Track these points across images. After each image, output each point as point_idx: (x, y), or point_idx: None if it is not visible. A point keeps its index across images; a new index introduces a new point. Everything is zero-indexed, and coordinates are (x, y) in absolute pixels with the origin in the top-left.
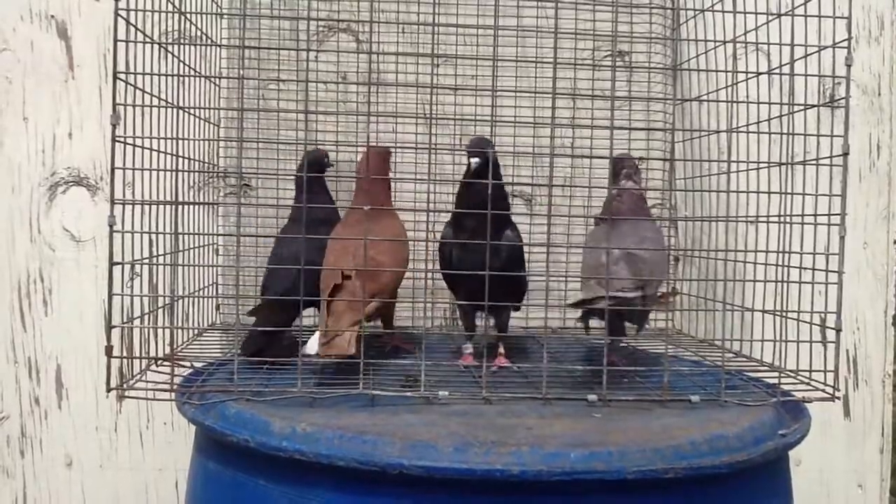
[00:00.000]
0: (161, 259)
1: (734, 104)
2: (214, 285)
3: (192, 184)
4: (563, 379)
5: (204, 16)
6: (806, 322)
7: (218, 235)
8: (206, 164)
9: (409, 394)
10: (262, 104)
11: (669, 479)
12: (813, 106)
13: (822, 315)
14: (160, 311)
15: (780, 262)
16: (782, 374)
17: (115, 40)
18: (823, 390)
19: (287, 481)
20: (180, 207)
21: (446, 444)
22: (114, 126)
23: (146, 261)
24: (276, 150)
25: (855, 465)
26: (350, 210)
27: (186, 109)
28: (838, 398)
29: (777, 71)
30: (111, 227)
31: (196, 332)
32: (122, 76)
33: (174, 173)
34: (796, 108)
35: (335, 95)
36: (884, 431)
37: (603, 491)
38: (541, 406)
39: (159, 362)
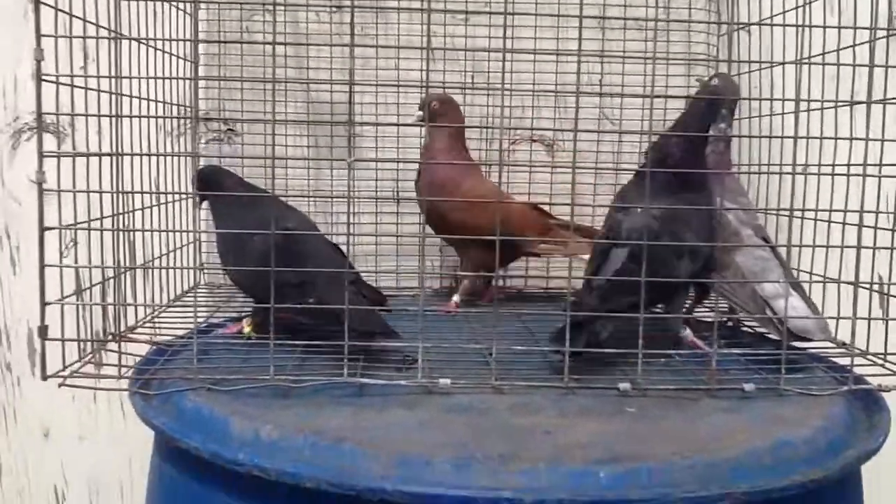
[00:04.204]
0: (103, 223)
1: (798, 30)
2: (196, 242)
3: (169, 130)
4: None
5: None
6: (878, 292)
7: (182, 194)
8: (184, 108)
9: (403, 382)
10: (245, 37)
11: None
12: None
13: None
14: (127, 280)
15: (833, 221)
16: (852, 355)
17: None
18: None
19: (250, 498)
20: (156, 159)
21: (442, 460)
22: (38, 62)
23: (82, 225)
24: (263, 91)
25: None
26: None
27: (152, 42)
28: None
29: None
30: (40, 185)
31: (171, 299)
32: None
33: (140, 119)
34: (878, 33)
35: (329, 27)
36: None
37: None
38: (562, 397)
39: (107, 342)
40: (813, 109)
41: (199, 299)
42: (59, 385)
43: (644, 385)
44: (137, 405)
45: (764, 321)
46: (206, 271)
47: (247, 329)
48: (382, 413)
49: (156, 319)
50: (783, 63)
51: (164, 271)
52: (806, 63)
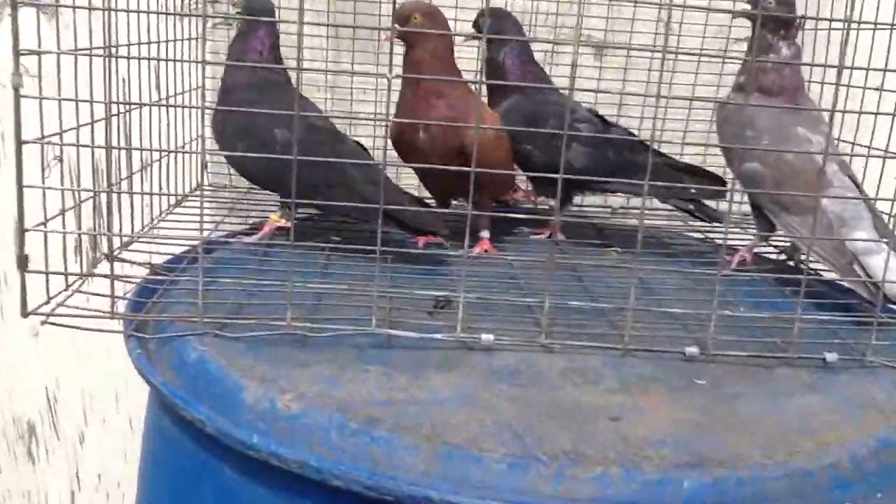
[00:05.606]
0: (94, 128)
1: None
2: (200, 139)
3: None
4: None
5: None
6: None
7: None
8: None
9: (439, 336)
10: None
11: None
12: None
13: None
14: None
15: None
16: None
17: None
18: None
19: (260, 481)
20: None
21: (496, 456)
22: None
23: (69, 138)
24: None
25: None
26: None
27: None
28: None
29: None
30: (16, 90)
31: (171, 205)
32: None
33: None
34: None
35: None
36: None
37: None
38: (620, 361)
39: (97, 265)
40: None
41: (201, 206)
42: (42, 323)
43: (713, 350)
44: (132, 353)
45: (851, 277)
46: (209, 170)
47: (278, 219)
48: (417, 379)
49: (154, 229)
50: None
51: (163, 173)
52: None
